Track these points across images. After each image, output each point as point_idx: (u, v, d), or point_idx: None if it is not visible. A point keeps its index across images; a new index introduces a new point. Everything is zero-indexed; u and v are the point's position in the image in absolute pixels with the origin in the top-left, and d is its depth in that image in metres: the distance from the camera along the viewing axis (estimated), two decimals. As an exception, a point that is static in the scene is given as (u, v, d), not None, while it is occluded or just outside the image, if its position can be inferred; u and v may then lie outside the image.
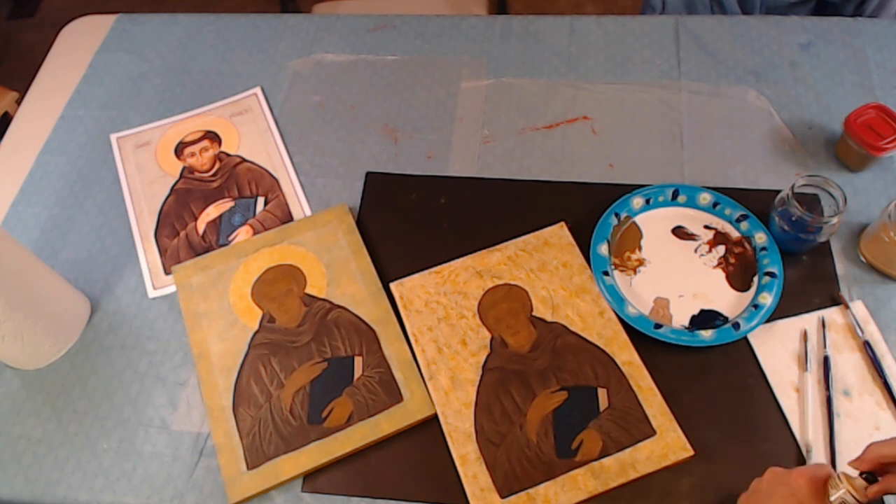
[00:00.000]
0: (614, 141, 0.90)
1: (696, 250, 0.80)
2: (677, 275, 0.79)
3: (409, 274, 0.80)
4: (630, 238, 0.81)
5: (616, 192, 0.84)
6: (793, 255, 0.78)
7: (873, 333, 0.73)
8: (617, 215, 0.81)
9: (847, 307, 0.74)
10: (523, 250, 0.80)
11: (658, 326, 0.74)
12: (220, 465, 0.71)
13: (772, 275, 0.76)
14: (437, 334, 0.76)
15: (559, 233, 0.81)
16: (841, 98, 0.90)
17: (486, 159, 0.90)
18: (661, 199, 0.82)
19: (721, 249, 0.80)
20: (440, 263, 0.80)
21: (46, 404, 0.77)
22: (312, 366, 0.76)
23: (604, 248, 0.79)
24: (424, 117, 0.95)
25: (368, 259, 0.81)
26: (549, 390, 0.72)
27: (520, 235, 0.82)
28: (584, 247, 0.80)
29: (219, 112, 0.99)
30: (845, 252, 0.79)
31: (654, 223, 0.82)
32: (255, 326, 0.79)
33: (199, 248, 0.86)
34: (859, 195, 0.82)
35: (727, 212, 0.81)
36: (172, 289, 0.83)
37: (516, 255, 0.80)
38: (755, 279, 0.77)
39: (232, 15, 1.11)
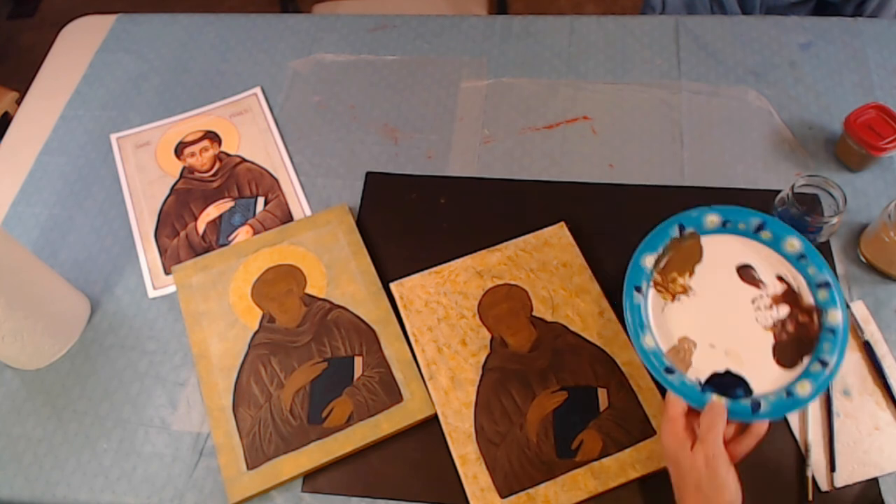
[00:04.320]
0: (614, 141, 0.90)
1: (754, 300, 0.67)
2: (720, 320, 0.67)
3: (409, 274, 0.80)
4: (686, 258, 0.69)
5: (616, 193, 0.84)
6: (793, 255, 0.78)
7: (873, 333, 0.73)
8: (682, 227, 0.70)
9: (847, 307, 0.74)
10: (523, 250, 0.80)
11: (669, 371, 0.64)
12: (220, 465, 0.71)
13: (824, 364, 0.63)
14: (437, 334, 0.76)
15: (559, 233, 0.81)
16: (841, 98, 0.90)
17: (486, 159, 0.90)
18: (741, 226, 0.70)
19: (784, 311, 0.67)
20: (440, 263, 0.80)
21: (46, 404, 0.77)
22: (312, 366, 0.76)
23: (649, 260, 0.69)
24: (424, 117, 0.95)
25: (368, 259, 0.81)
26: (549, 390, 0.72)
27: (520, 235, 0.82)
28: (585, 247, 0.80)
29: (219, 112, 0.99)
30: (845, 252, 0.79)
31: (722, 250, 0.69)
32: (255, 326, 0.79)
33: (199, 248, 0.86)
34: (859, 195, 0.82)
35: (811, 270, 0.67)
36: (172, 289, 0.83)
37: (516, 255, 0.80)
38: (805, 360, 0.64)
39: (232, 15, 1.11)
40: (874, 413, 0.69)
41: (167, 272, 0.85)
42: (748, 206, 0.78)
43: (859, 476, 0.66)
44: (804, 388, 0.62)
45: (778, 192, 0.78)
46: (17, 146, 0.99)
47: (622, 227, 0.82)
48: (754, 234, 0.69)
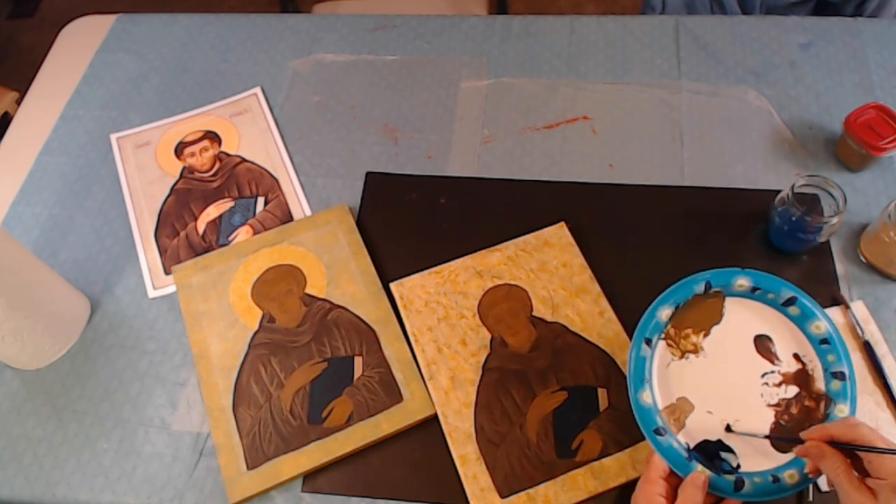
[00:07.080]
0: (614, 141, 0.90)
1: (764, 374, 0.65)
2: (724, 388, 0.64)
3: (409, 274, 0.80)
4: (705, 316, 0.67)
5: (616, 192, 0.83)
6: (793, 255, 0.78)
7: (873, 333, 0.73)
8: (708, 285, 0.67)
9: (847, 307, 0.74)
10: (523, 250, 0.80)
11: (659, 433, 0.62)
12: (220, 465, 0.71)
13: None
14: (437, 334, 0.76)
15: (559, 233, 0.81)
16: (841, 98, 0.90)
17: (486, 159, 0.90)
18: (770, 295, 0.66)
19: (792, 391, 0.63)
20: (440, 263, 0.80)
21: (46, 404, 0.77)
22: (312, 366, 0.76)
23: (666, 313, 0.66)
24: (424, 117, 0.95)
25: (368, 259, 0.81)
26: (549, 390, 0.72)
27: (520, 235, 0.82)
28: (585, 247, 0.80)
29: (219, 112, 0.99)
30: (845, 252, 0.79)
31: (744, 316, 0.67)
32: (255, 326, 0.79)
33: (199, 248, 0.86)
34: (859, 195, 0.82)
35: (830, 357, 0.64)
36: (172, 289, 0.83)
37: (516, 255, 0.80)
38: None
39: (232, 15, 1.11)
40: (874, 413, 0.69)
41: (167, 272, 0.85)
42: (748, 206, 0.79)
43: (859, 476, 0.66)
44: (792, 477, 0.59)
45: (778, 192, 0.78)
46: (17, 146, 0.99)
47: (622, 227, 0.83)
48: (782, 306, 0.66)
